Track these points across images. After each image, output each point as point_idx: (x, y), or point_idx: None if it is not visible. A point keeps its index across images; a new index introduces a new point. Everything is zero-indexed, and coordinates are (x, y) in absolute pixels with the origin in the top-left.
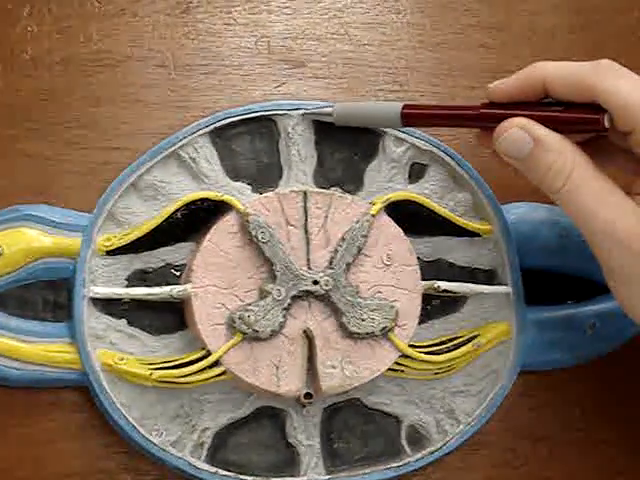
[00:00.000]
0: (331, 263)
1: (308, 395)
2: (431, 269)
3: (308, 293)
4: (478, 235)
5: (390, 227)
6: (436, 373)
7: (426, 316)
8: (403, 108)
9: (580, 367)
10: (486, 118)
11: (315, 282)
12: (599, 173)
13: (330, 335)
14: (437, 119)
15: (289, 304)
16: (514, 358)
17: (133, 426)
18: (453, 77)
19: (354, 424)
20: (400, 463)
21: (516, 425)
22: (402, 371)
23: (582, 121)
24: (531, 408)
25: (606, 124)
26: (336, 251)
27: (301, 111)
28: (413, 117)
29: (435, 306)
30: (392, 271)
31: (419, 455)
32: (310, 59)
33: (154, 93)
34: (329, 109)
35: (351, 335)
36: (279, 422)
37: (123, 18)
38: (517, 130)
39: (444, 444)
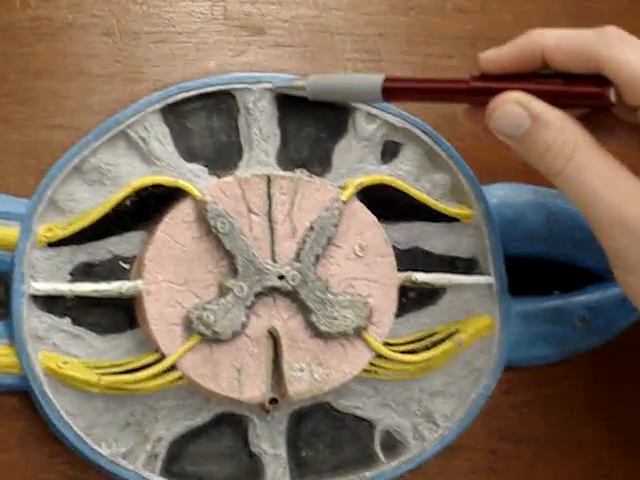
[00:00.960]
0: (298, 255)
1: (273, 400)
2: (406, 258)
3: (273, 289)
4: (457, 220)
5: (363, 214)
6: (413, 373)
7: (401, 309)
8: (384, 81)
9: (567, 362)
10: (477, 92)
11: (281, 277)
12: (604, 152)
13: (297, 335)
14: (422, 94)
15: (252, 302)
16: (497, 355)
17: (79, 436)
18: (428, 44)
19: (323, 430)
20: (374, 472)
21: (498, 426)
22: (376, 372)
23: (585, 95)
24: (513, 407)
25: (612, 98)
26: (304, 242)
27: (263, 84)
28: (395, 91)
29: (411, 299)
30: (365, 263)
31: (395, 462)
32: (271, 25)
33: (99, 64)
34: (302, 82)
35: (321, 335)
36: (241, 430)
37: None
38: (513, 105)
39: (422, 450)
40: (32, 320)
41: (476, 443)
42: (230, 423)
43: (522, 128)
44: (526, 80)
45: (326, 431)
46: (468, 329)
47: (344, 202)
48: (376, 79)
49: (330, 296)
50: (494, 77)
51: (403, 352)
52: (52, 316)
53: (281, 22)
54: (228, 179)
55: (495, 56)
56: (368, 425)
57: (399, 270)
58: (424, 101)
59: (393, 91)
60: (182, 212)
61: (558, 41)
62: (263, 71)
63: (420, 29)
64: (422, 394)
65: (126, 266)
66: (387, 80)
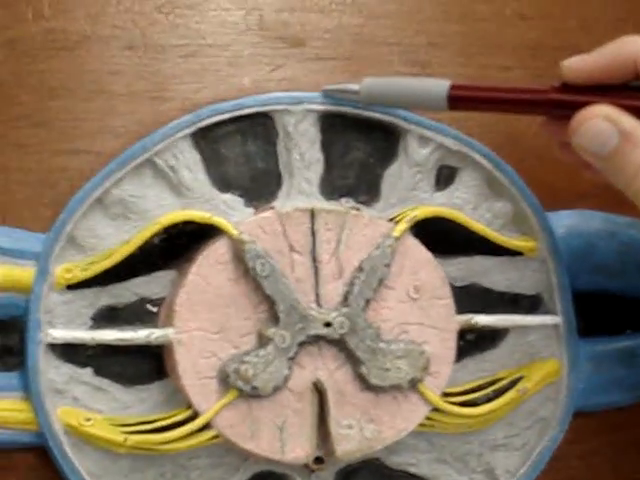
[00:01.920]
0: (346, 299)
1: (319, 460)
2: (463, 296)
3: (319, 338)
4: (520, 254)
5: (417, 251)
6: (472, 425)
7: (459, 353)
8: (451, 88)
9: (638, 406)
10: (558, 104)
11: (327, 324)
12: None
13: (345, 388)
14: (493, 104)
15: (295, 352)
16: (565, 403)
17: None
18: (484, 55)
19: None
20: None
21: (563, 477)
22: (432, 426)
23: None
24: (581, 456)
25: None
26: (352, 284)
27: (304, 105)
28: (462, 100)
29: (469, 341)
30: (420, 306)
31: None
32: (311, 36)
33: (121, 81)
34: (355, 85)
35: (372, 388)
36: None
37: None
38: (600, 121)
39: None
40: (50, 371)
41: None
42: None
43: (610, 146)
44: (615, 92)
45: None
46: (533, 375)
47: (397, 238)
48: (442, 85)
49: (382, 345)
50: (578, 88)
51: (462, 403)
52: (72, 366)
53: (322, 32)
54: (267, 214)
55: (580, 64)
56: None
57: (456, 310)
58: (494, 112)
59: (460, 100)
60: (216, 252)
61: None
62: (302, 87)
63: (476, 38)
64: (482, 448)
65: (154, 309)
66: (454, 87)
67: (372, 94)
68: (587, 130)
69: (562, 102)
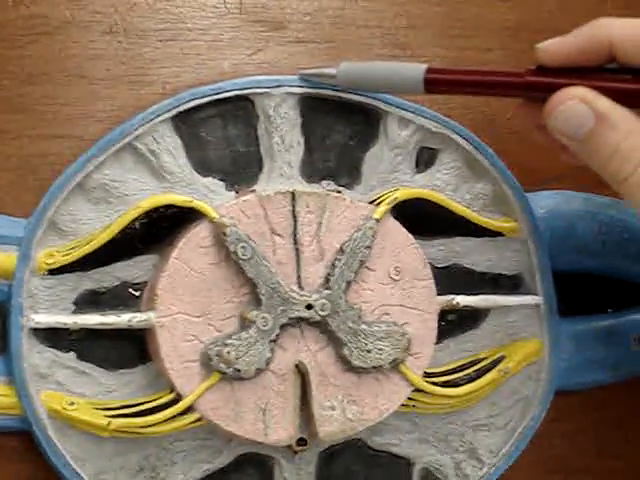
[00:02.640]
0: (327, 281)
1: (302, 441)
2: (444, 277)
3: (300, 320)
4: (501, 234)
5: (398, 233)
6: (454, 406)
7: (440, 334)
8: (427, 72)
9: (621, 384)
10: (534, 87)
11: (309, 306)
12: None
13: (328, 369)
14: (469, 87)
15: (277, 334)
16: (546, 382)
17: None
18: (465, 37)
19: (356, 470)
20: None
21: (546, 456)
22: (414, 406)
23: None
24: (564, 435)
25: None
26: (333, 266)
27: (284, 88)
28: (439, 83)
29: (450, 322)
30: (401, 287)
31: None
32: (291, 19)
33: (101, 66)
34: (331, 70)
35: (354, 369)
36: (266, 472)
37: None
38: (576, 103)
39: None
40: (33, 356)
41: (523, 477)
42: (254, 465)
43: (585, 128)
44: (590, 75)
45: (359, 471)
46: (514, 355)
47: (377, 220)
48: (418, 69)
49: (363, 326)
50: (553, 70)
51: (444, 383)
52: (55, 351)
53: (302, 15)
54: (248, 197)
55: (555, 47)
56: (406, 463)
57: (437, 291)
58: (470, 94)
59: (437, 83)
60: (198, 236)
61: (628, 31)
62: (283, 71)
63: (456, 20)
64: (464, 428)
65: (136, 293)
66: (430, 71)
67: (349, 78)
68: (562, 112)
69: (537, 84)
